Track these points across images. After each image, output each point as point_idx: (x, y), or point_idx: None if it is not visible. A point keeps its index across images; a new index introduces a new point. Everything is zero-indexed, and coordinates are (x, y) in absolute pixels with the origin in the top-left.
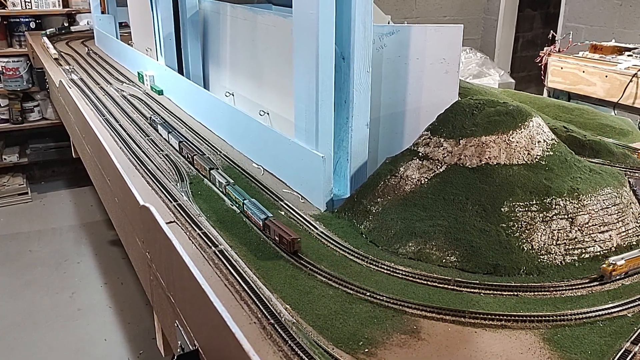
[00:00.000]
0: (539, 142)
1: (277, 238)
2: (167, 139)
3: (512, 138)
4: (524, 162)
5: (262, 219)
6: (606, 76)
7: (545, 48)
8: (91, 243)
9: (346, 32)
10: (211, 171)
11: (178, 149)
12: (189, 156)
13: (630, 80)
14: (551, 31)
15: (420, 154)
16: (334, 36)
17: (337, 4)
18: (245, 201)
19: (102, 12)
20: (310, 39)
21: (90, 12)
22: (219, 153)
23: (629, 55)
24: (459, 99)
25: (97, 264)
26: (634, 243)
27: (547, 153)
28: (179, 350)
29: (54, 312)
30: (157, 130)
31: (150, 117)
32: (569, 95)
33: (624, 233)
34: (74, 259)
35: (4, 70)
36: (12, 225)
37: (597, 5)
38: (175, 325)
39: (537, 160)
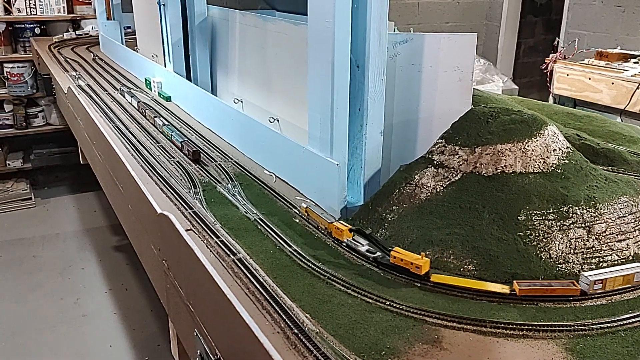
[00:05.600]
0: (554, 150)
1: (186, 152)
2: (130, 102)
3: (528, 146)
4: (540, 171)
5: (180, 142)
6: (612, 83)
7: (550, 55)
8: (95, 249)
9: (361, 41)
10: (155, 118)
11: (137, 108)
12: (143, 110)
13: (637, 88)
14: (556, 38)
15: (435, 162)
16: (349, 45)
17: (353, 13)
18: (173, 133)
19: (108, 18)
20: (325, 48)
21: (95, 18)
22: (230, 160)
23: (635, 63)
24: (473, 107)
25: (101, 270)
26: None
27: (563, 161)
28: (198, 359)
29: (59, 317)
30: (123, 96)
31: (120, 88)
32: (574, 102)
33: None
34: (78, 264)
35: (9, 76)
36: (16, 231)
37: (600, 12)
38: (195, 334)
39: (553, 168)
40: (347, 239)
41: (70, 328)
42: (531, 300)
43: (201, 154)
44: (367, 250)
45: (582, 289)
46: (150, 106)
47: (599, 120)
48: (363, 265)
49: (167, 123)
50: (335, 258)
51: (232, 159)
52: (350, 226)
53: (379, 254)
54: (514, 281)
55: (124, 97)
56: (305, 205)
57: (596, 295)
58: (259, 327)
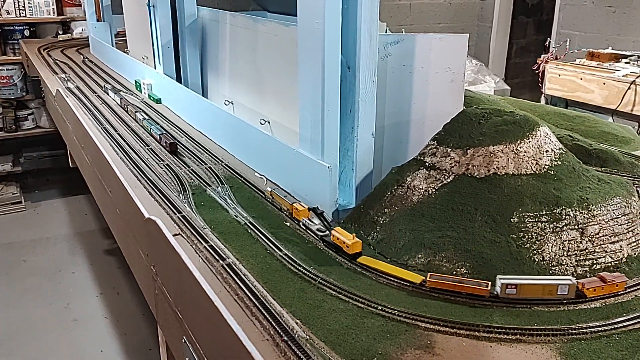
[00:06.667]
0: (546, 151)
1: (164, 144)
2: (113, 98)
3: (520, 148)
4: (533, 172)
5: (158, 134)
6: (604, 83)
7: (542, 55)
8: (86, 252)
9: (352, 42)
10: (136, 113)
11: (120, 104)
12: (125, 106)
13: (629, 88)
14: (548, 38)
15: (427, 163)
16: (339, 46)
17: (343, 13)
18: (152, 126)
19: (98, 20)
20: (316, 49)
21: (85, 20)
22: (220, 162)
23: (626, 63)
24: (464, 108)
25: (92, 274)
26: None
27: (555, 163)
28: None
29: (50, 322)
30: (107, 94)
31: (104, 86)
32: (566, 102)
33: (634, 243)
34: (69, 268)
35: None
36: (6, 235)
37: (591, 13)
38: (183, 341)
39: (545, 170)
40: (304, 219)
41: (60, 333)
42: (439, 293)
43: (179, 147)
44: (318, 229)
45: (495, 291)
46: (140, 108)
47: (591, 120)
48: (355, 269)
49: (147, 117)
50: (326, 262)
51: (222, 162)
52: (306, 206)
53: (327, 232)
54: (429, 273)
55: (108, 94)
56: (270, 189)
57: (509, 301)
58: (247, 335)
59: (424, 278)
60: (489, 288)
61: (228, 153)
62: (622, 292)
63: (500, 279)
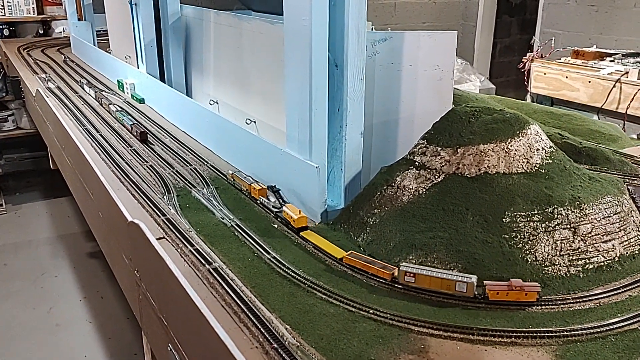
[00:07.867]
0: (537, 150)
1: (134, 134)
2: (88, 92)
3: (511, 146)
4: (524, 171)
5: (130, 124)
6: (589, 82)
7: (527, 54)
8: (69, 256)
9: (339, 39)
10: (110, 105)
11: (95, 98)
12: (99, 99)
13: (614, 86)
14: (533, 37)
15: (417, 163)
16: (327, 43)
17: (331, 10)
18: (124, 117)
19: (79, 19)
20: (303, 46)
21: (66, 19)
22: (205, 163)
23: (610, 61)
24: (454, 106)
25: (75, 278)
26: (637, 252)
27: (546, 161)
28: None
29: (32, 327)
30: (83, 89)
31: (79, 81)
32: (552, 100)
33: (627, 242)
34: (52, 272)
35: None
36: None
37: (574, 12)
38: (169, 349)
39: (536, 168)
40: (261, 197)
41: (43, 338)
42: (351, 269)
43: (149, 135)
44: (273, 206)
45: (397, 276)
46: (122, 108)
47: (578, 118)
48: (345, 271)
49: (120, 109)
50: (315, 264)
51: (207, 162)
52: (264, 186)
53: (281, 209)
54: (350, 251)
55: (83, 88)
56: (231, 172)
57: (408, 288)
58: (235, 343)
59: (346, 255)
60: (391, 272)
61: (213, 153)
62: (534, 303)
63: (401, 265)
